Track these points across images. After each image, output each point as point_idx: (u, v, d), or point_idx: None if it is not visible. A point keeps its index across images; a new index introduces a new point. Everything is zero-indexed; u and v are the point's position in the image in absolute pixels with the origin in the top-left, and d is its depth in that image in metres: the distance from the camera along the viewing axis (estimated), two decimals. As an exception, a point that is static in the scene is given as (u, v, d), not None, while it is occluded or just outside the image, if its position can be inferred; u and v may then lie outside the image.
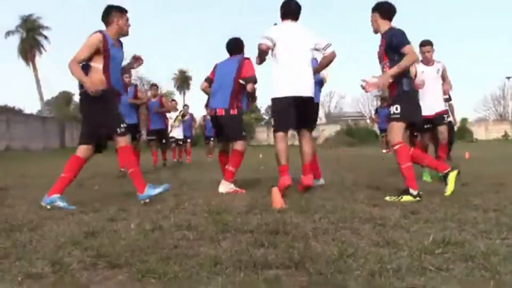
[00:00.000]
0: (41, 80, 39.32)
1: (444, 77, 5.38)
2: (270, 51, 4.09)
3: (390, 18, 3.92)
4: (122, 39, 3.86)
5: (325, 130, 34.97)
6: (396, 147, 3.77)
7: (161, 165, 9.27)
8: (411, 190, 3.60)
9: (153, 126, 8.77)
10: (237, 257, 1.95)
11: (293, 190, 4.18)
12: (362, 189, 4.35)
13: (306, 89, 3.98)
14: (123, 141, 3.68)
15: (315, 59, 4.32)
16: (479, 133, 38.97)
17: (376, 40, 3.97)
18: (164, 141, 9.20)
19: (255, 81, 4.49)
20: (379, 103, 22.91)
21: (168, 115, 10.00)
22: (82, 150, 3.73)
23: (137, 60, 4.09)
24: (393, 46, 3.74)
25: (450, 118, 6.54)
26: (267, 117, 43.92)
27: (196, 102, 69.90)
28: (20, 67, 65.48)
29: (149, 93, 9.67)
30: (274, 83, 4.05)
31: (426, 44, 5.30)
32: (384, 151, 13.61)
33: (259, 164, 8.93)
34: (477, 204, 3.30)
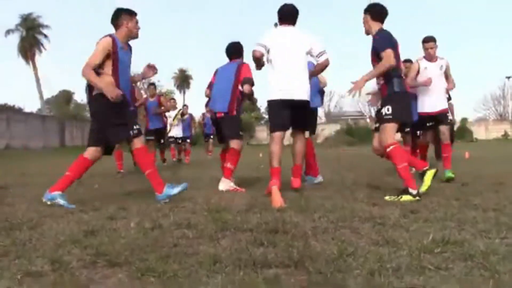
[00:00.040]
0: (41, 79, 39.38)
1: (447, 75, 5.31)
2: (265, 57, 4.14)
3: (381, 20, 3.95)
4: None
5: (325, 130, 34.94)
6: (390, 148, 3.77)
7: (160, 164, 9.27)
8: (410, 190, 3.60)
9: (152, 126, 8.74)
10: (236, 256, 1.95)
11: (292, 190, 4.20)
12: (361, 188, 4.35)
13: (300, 93, 4.02)
14: (138, 142, 3.67)
15: (312, 62, 4.34)
16: (479, 132, 38.96)
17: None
18: (162, 141, 9.16)
19: (252, 83, 4.60)
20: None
21: (167, 113, 9.96)
22: (91, 152, 3.71)
23: (151, 69, 4.07)
24: (375, 49, 3.80)
25: (451, 117, 6.49)
26: (267, 116, 43.78)
27: (196, 101, 70.02)
28: (20, 66, 65.45)
29: (143, 93, 9.60)
30: (269, 86, 4.11)
31: (429, 40, 5.20)
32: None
33: (259, 163, 8.93)
34: (477, 203, 3.30)
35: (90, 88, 3.63)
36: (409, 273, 1.70)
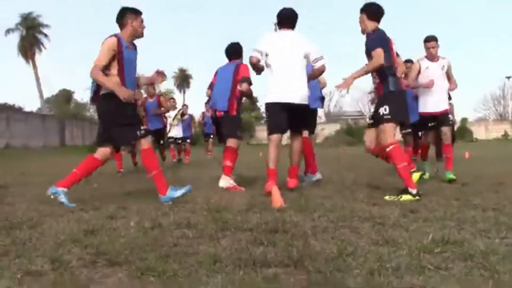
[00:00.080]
0: (41, 78, 39.37)
1: (449, 76, 5.24)
2: (264, 61, 4.18)
3: (377, 20, 3.96)
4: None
5: (325, 129, 34.93)
6: (390, 147, 3.78)
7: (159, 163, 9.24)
8: (410, 189, 3.61)
9: (152, 127, 8.69)
10: (236, 255, 1.95)
11: (292, 190, 4.21)
12: (361, 188, 4.35)
13: (299, 97, 4.06)
14: (145, 143, 3.67)
15: (311, 64, 4.37)
16: (479, 132, 38.95)
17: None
18: (162, 142, 9.12)
19: (249, 82, 4.63)
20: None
21: (166, 113, 9.92)
22: (101, 153, 3.72)
23: (160, 75, 4.07)
24: (367, 48, 3.82)
25: (451, 117, 6.45)
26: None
27: (196, 101, 70.07)
28: (20, 65, 65.38)
29: (143, 93, 9.54)
30: (268, 89, 4.15)
31: (430, 39, 5.14)
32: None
33: (259, 162, 8.92)
34: (477, 203, 3.30)
35: (97, 88, 3.63)
36: (409, 273, 1.70)
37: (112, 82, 3.51)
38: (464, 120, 38.27)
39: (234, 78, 4.72)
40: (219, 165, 4.92)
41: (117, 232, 2.47)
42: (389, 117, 3.81)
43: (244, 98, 5.33)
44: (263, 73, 4.25)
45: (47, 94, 42.94)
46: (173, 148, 10.95)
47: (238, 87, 4.63)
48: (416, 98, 5.40)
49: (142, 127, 3.71)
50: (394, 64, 3.95)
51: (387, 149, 3.80)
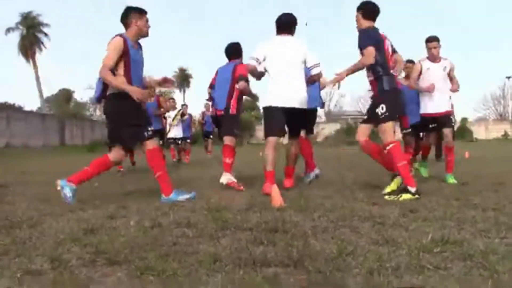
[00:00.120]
0: (41, 78, 39.36)
1: (451, 77, 5.16)
2: (263, 67, 4.22)
3: (373, 18, 3.99)
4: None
5: (325, 129, 34.94)
6: (390, 146, 3.80)
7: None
8: (409, 188, 3.62)
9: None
10: (236, 255, 1.95)
11: (291, 189, 4.21)
12: (361, 188, 4.35)
13: (297, 101, 4.11)
14: (151, 143, 3.68)
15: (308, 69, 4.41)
16: (479, 132, 38.96)
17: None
18: (161, 142, 9.12)
19: (246, 80, 4.68)
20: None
21: (166, 114, 9.91)
22: (114, 154, 3.75)
23: (168, 82, 4.11)
24: (358, 45, 3.85)
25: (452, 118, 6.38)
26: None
27: (196, 101, 70.05)
28: (20, 64, 65.45)
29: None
30: (266, 93, 4.19)
31: (432, 39, 5.07)
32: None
33: (259, 162, 8.93)
34: (476, 203, 3.30)
35: (103, 88, 3.63)
36: (408, 273, 1.70)
37: (122, 82, 3.51)
38: (464, 120, 38.29)
39: (233, 77, 4.78)
40: (219, 165, 4.94)
41: (117, 232, 2.47)
42: (387, 115, 3.83)
43: (245, 97, 5.37)
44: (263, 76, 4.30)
45: (47, 93, 42.97)
46: (173, 148, 10.95)
47: (236, 86, 4.68)
48: (417, 100, 5.35)
49: (150, 127, 3.73)
50: (388, 62, 3.96)
51: (387, 148, 3.81)
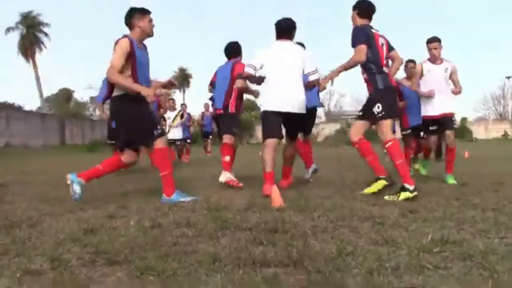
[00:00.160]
0: (41, 77, 39.32)
1: (453, 80, 5.07)
2: (259, 72, 4.25)
3: (369, 17, 4.00)
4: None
5: (325, 129, 34.94)
6: (389, 144, 3.83)
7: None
8: (406, 185, 3.62)
9: None
10: (236, 255, 1.95)
11: (291, 190, 4.21)
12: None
13: (296, 106, 4.13)
14: (160, 142, 3.68)
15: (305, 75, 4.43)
16: (479, 132, 38.94)
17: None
18: None
19: (243, 78, 4.66)
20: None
21: (166, 115, 9.90)
22: (127, 156, 3.77)
23: (173, 85, 4.13)
24: (351, 43, 3.88)
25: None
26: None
27: (196, 101, 70.01)
28: (20, 64, 65.42)
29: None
30: (267, 97, 4.21)
31: (433, 40, 4.99)
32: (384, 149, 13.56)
33: (259, 162, 8.93)
34: (476, 203, 3.31)
35: (110, 89, 3.62)
36: (408, 273, 1.71)
37: (132, 83, 3.51)
38: (463, 120, 38.27)
39: (231, 76, 4.83)
40: (219, 164, 4.95)
41: (116, 231, 2.47)
42: (384, 114, 3.86)
43: (245, 97, 5.40)
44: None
45: (47, 93, 42.95)
46: (173, 150, 10.94)
47: (234, 86, 4.72)
48: (418, 101, 5.33)
49: (158, 126, 3.74)
50: (381, 59, 3.95)
51: (386, 145, 3.85)
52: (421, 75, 5.10)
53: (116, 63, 3.46)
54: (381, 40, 3.98)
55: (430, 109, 5.10)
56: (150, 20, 3.72)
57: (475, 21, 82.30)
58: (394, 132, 4.04)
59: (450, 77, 5.06)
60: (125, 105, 3.58)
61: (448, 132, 5.05)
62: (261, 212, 3.04)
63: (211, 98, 5.37)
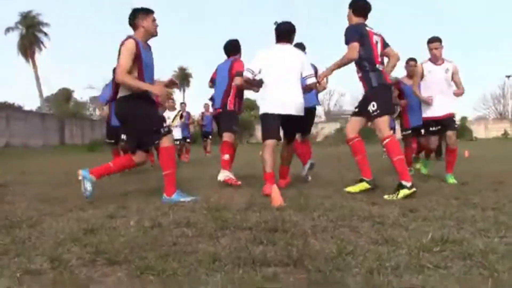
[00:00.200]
0: (41, 77, 39.31)
1: (455, 81, 5.01)
2: (258, 76, 4.28)
3: (364, 15, 4.02)
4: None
5: (324, 128, 34.94)
6: (386, 140, 3.84)
7: (158, 164, 9.22)
8: (404, 182, 3.63)
9: None
10: (236, 254, 1.95)
11: (291, 189, 4.21)
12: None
13: (294, 109, 4.14)
14: (167, 141, 3.69)
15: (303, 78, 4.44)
16: (479, 131, 38.96)
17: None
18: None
19: (242, 76, 4.64)
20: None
21: (165, 115, 9.89)
22: (138, 156, 3.78)
23: (174, 84, 4.14)
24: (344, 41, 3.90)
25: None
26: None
27: (196, 100, 69.99)
28: (20, 64, 65.40)
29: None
30: (266, 100, 4.22)
31: (434, 40, 4.90)
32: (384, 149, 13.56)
33: (259, 161, 8.93)
34: (476, 202, 3.31)
35: (115, 90, 3.62)
36: (408, 272, 1.71)
37: (140, 82, 3.51)
38: (463, 119, 38.28)
39: (230, 75, 4.84)
40: (219, 164, 4.94)
41: (116, 231, 2.47)
42: (379, 113, 3.89)
43: (245, 96, 5.39)
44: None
45: (46, 93, 42.94)
46: None
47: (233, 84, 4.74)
48: (419, 102, 5.29)
49: (165, 124, 3.75)
50: (375, 57, 3.95)
51: (384, 142, 3.87)
52: (422, 75, 5.03)
53: (125, 64, 3.46)
54: (375, 38, 3.98)
55: (431, 110, 5.04)
56: (154, 20, 3.71)
57: (475, 21, 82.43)
58: (394, 132, 4.03)
59: (452, 78, 5.00)
60: (130, 105, 3.58)
61: (450, 133, 4.99)
62: (261, 211, 3.04)
63: (211, 98, 5.37)
